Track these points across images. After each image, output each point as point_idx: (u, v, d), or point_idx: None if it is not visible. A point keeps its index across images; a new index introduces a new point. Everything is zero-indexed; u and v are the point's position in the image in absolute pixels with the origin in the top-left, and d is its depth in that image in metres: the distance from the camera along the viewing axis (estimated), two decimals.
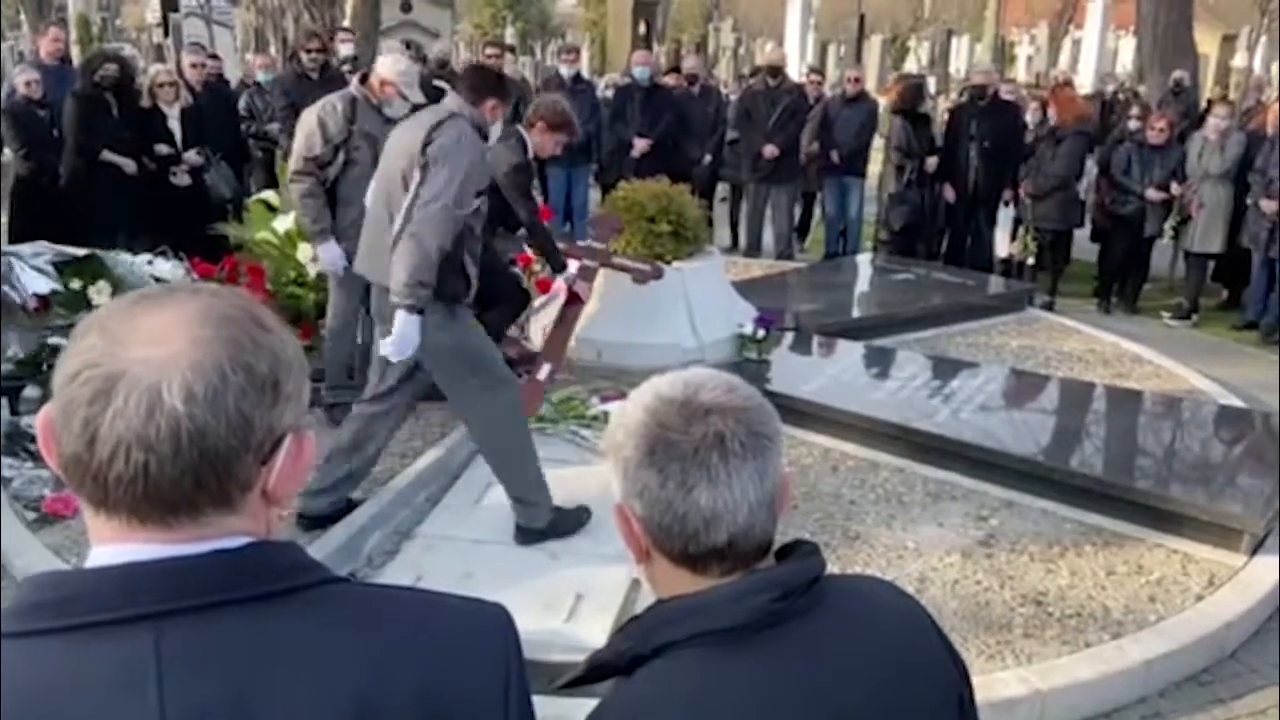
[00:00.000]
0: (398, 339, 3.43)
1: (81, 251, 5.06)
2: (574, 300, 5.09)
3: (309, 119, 4.58)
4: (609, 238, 5.48)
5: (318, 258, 4.87)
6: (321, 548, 3.58)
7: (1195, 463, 4.59)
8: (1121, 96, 10.30)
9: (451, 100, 3.57)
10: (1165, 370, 6.12)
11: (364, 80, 4.68)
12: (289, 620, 0.82)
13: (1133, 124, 8.21)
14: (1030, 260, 8.05)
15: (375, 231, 3.60)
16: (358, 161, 4.54)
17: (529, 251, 5.53)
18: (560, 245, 5.20)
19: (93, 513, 0.82)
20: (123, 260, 5.13)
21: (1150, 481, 4.30)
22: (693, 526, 1.01)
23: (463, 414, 3.84)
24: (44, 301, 4.83)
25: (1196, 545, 3.91)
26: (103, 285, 4.94)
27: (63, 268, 4.93)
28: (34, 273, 4.83)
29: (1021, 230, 8.02)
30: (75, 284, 4.89)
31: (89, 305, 4.84)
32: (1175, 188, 7.51)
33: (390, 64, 4.72)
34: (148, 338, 0.79)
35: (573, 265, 5.09)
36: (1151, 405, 5.30)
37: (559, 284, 5.27)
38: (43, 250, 5.01)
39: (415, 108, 4.75)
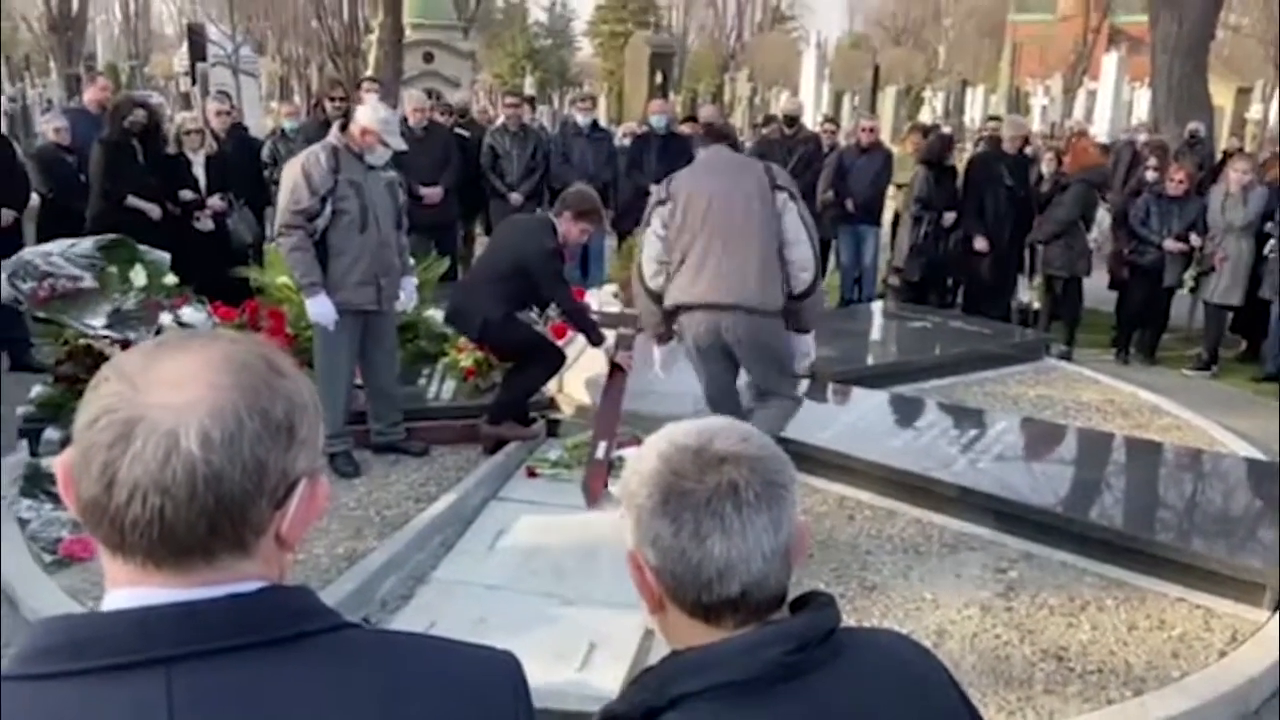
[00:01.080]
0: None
1: (110, 236, 5.20)
2: (617, 372, 5.07)
3: (293, 172, 4.55)
4: None
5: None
6: (335, 592, 3.57)
7: (1217, 516, 4.52)
8: (1144, 149, 10.29)
9: (728, 150, 4.31)
10: (1184, 421, 6.07)
11: (344, 129, 4.70)
12: (300, 665, 0.82)
13: (1149, 175, 8.22)
14: (1036, 305, 8.03)
15: (732, 263, 4.02)
16: (347, 211, 4.54)
17: (560, 320, 5.56)
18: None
19: (109, 556, 0.83)
20: (147, 248, 5.24)
21: (1171, 534, 4.25)
22: (706, 576, 1.00)
23: (767, 396, 4.32)
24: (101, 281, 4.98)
25: (1219, 600, 3.85)
26: (138, 269, 5.03)
27: (101, 251, 5.07)
28: (83, 258, 4.96)
29: (1035, 278, 8.05)
30: (114, 269, 5.00)
31: (132, 286, 4.95)
32: (1195, 239, 7.51)
33: (370, 113, 4.71)
34: (166, 383, 0.80)
35: (610, 336, 5.10)
36: (1172, 457, 5.24)
37: (607, 345, 5.23)
38: (73, 241, 5.13)
39: (396, 154, 4.80)
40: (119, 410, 0.79)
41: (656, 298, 4.22)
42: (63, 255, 4.98)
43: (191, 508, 0.79)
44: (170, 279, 5.21)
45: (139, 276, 5.03)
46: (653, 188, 8.07)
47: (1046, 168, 8.28)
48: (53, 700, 0.78)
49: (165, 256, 5.27)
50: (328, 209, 4.52)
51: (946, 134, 9.69)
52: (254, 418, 0.81)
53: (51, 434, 4.71)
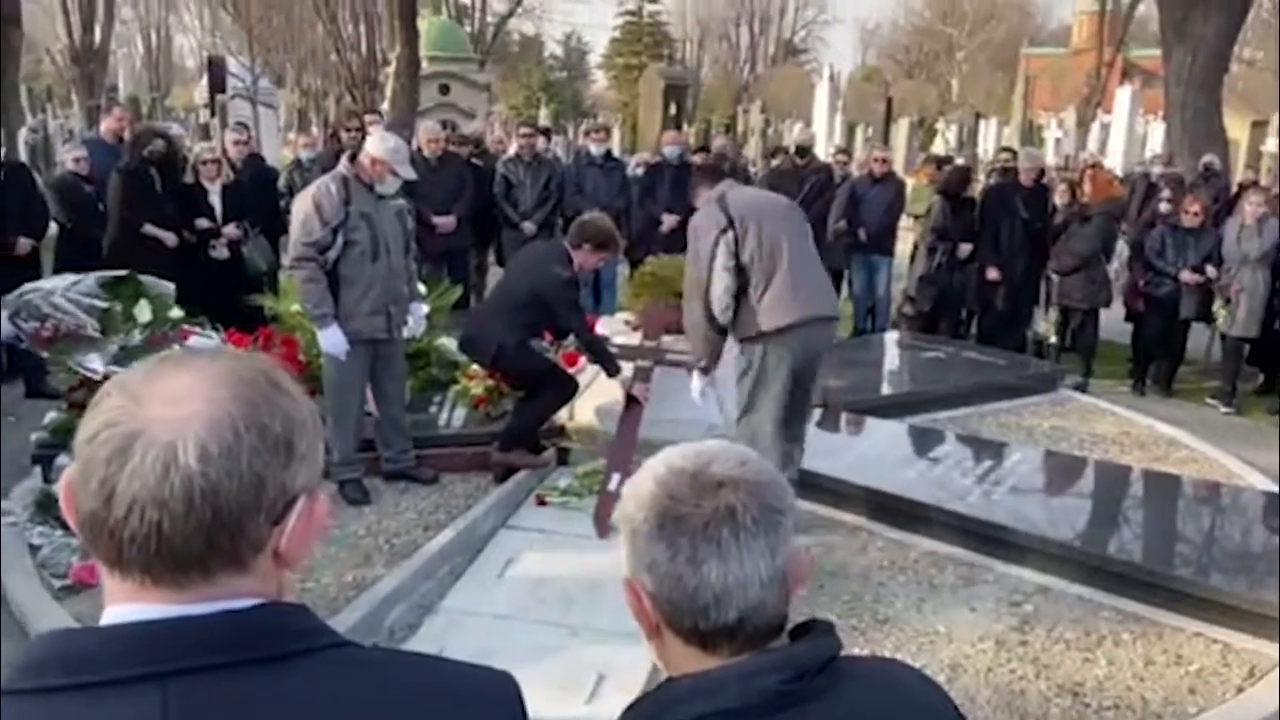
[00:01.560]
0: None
1: (116, 273, 5.17)
2: (633, 404, 5.06)
3: (304, 204, 4.56)
4: (659, 334, 5.43)
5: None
6: (343, 621, 3.55)
7: (1235, 550, 4.47)
8: (1159, 181, 10.27)
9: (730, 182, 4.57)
10: (1202, 454, 6.00)
11: (353, 159, 4.72)
12: (295, 682, 0.81)
13: (1164, 206, 8.20)
14: (1053, 338, 7.99)
15: (818, 281, 4.40)
16: (358, 241, 4.56)
17: (577, 350, 5.57)
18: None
19: (107, 572, 0.82)
20: (153, 281, 5.22)
21: (1189, 568, 4.20)
22: (702, 602, 0.98)
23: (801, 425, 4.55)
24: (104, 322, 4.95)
25: (1236, 635, 3.79)
26: (144, 304, 5.01)
27: (105, 289, 5.04)
28: (85, 298, 4.94)
29: (1050, 309, 8.00)
30: (118, 306, 4.98)
31: (136, 324, 4.93)
32: (1210, 270, 7.48)
33: (379, 143, 4.73)
34: (166, 398, 0.80)
35: (628, 368, 5.09)
36: (1189, 490, 5.18)
37: (623, 377, 5.19)
38: (75, 279, 5.09)
39: (411, 183, 4.81)
40: (119, 425, 0.79)
41: (724, 330, 4.31)
42: (65, 296, 4.91)
43: (188, 522, 0.78)
44: (175, 311, 5.18)
45: (144, 312, 4.98)
46: (665, 217, 8.23)
47: (1060, 200, 8.28)
48: (46, 715, 0.77)
49: (170, 288, 5.25)
50: (339, 240, 4.55)
51: (964, 166, 9.68)
52: (251, 431, 0.80)
53: (64, 460, 4.71)
